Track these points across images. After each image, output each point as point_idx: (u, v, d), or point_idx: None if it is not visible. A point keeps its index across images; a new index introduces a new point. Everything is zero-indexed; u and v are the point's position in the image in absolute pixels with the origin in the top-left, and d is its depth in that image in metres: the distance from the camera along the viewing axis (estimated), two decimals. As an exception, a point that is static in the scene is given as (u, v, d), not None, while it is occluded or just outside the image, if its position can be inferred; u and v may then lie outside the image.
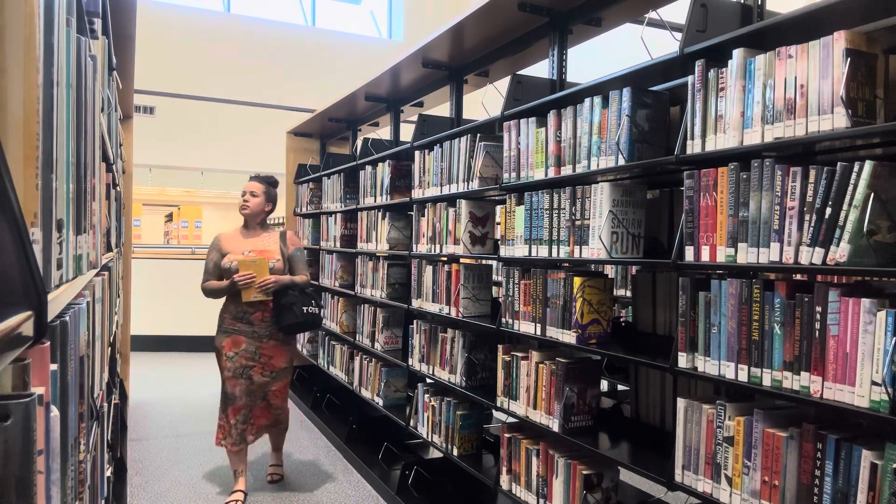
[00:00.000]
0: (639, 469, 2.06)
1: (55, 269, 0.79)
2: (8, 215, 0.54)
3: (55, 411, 0.75)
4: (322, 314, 3.55)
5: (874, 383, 1.41)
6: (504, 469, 2.72)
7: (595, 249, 2.22)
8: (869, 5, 1.56)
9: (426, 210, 3.37)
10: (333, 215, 4.97)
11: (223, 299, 3.49)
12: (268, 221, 3.57)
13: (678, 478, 1.92)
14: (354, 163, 4.60)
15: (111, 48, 2.42)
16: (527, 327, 2.56)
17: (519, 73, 2.78)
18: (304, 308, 3.35)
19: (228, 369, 3.37)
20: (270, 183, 3.54)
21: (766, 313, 1.67)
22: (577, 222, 2.30)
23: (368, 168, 4.27)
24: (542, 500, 2.50)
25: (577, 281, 2.29)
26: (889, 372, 1.38)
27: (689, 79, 1.88)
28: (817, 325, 1.54)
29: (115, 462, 2.93)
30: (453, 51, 3.43)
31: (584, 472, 2.32)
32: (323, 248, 5.19)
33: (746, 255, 1.71)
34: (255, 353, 3.39)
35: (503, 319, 2.70)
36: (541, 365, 2.49)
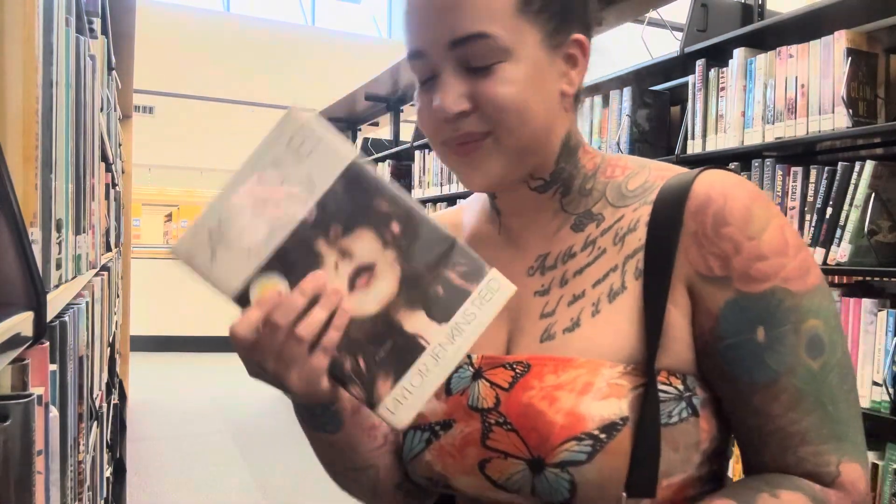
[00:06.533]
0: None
1: (54, 269, 0.79)
2: (8, 215, 0.54)
3: (54, 411, 0.75)
4: None
5: (875, 383, 1.41)
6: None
7: (595, 249, 2.22)
8: (869, 5, 1.56)
9: (426, 210, 3.37)
10: (333, 215, 4.97)
11: None
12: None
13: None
14: (354, 163, 4.59)
15: (110, 48, 2.42)
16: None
17: (519, 72, 2.77)
18: None
19: None
20: None
21: (767, 313, 1.67)
22: (578, 222, 2.29)
23: (368, 168, 4.26)
24: (542, 501, 2.50)
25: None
26: (890, 372, 1.38)
27: (690, 78, 1.88)
28: (818, 326, 1.54)
29: (115, 462, 2.92)
30: (453, 51, 3.43)
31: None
32: (323, 247, 5.19)
33: (747, 255, 1.70)
34: None
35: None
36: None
